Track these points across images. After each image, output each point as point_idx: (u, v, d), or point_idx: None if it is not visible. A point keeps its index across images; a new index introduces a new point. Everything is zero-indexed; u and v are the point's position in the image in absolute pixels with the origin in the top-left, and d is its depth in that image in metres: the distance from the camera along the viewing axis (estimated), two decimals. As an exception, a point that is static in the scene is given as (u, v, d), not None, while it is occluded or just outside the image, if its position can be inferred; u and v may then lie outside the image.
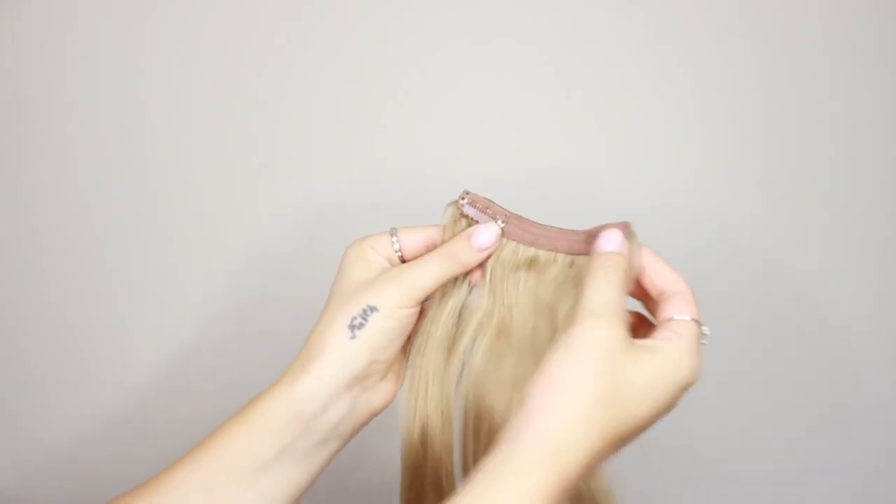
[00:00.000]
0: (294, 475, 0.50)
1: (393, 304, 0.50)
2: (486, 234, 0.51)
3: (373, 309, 0.49)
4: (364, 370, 0.50)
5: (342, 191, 0.77)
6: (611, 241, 0.49)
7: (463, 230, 0.53)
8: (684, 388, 0.45)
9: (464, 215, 0.53)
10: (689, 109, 0.76)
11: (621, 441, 0.44)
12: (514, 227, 0.52)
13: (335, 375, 0.50)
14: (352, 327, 0.49)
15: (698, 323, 0.47)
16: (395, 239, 0.53)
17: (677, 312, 0.47)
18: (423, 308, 0.54)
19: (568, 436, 0.41)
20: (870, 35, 0.75)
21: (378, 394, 0.53)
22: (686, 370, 0.45)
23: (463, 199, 0.53)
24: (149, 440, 0.80)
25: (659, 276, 0.50)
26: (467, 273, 0.53)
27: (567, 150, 0.77)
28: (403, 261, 0.53)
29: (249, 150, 0.76)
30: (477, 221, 0.53)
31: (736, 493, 0.87)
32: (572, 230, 0.53)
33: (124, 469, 0.73)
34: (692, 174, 0.78)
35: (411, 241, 0.53)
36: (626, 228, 0.50)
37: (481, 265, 0.53)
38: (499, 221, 0.52)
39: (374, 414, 0.53)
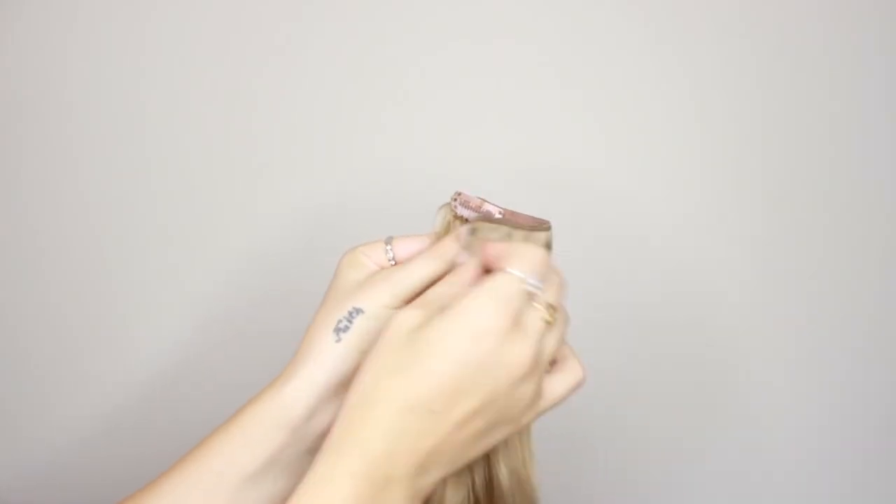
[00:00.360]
0: (284, 487, 0.49)
1: (379, 304, 0.49)
2: None
3: (358, 311, 0.49)
4: (351, 374, 0.49)
5: (342, 191, 0.77)
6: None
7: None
8: (478, 333, 0.43)
9: (457, 217, 0.52)
10: (689, 109, 0.76)
11: (433, 413, 0.43)
12: (510, 223, 0.52)
13: (321, 380, 0.49)
14: (337, 330, 0.49)
15: (520, 277, 0.45)
16: (389, 248, 0.52)
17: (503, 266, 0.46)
18: None
19: (359, 406, 0.43)
20: (870, 35, 0.75)
21: None
22: (475, 312, 0.43)
23: (455, 200, 0.52)
24: (148, 441, 0.80)
25: (487, 248, 0.49)
26: None
27: (567, 149, 0.77)
28: None
29: (249, 150, 0.76)
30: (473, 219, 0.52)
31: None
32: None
33: (122, 470, 0.73)
34: (691, 173, 0.78)
35: (405, 250, 0.52)
36: (530, 226, 0.50)
37: None
38: (495, 218, 0.52)
39: None
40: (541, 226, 0.51)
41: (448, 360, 0.43)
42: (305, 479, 0.42)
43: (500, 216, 0.52)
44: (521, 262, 0.46)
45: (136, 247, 0.77)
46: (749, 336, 0.82)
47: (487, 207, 0.52)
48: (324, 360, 0.49)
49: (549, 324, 0.46)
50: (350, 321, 0.49)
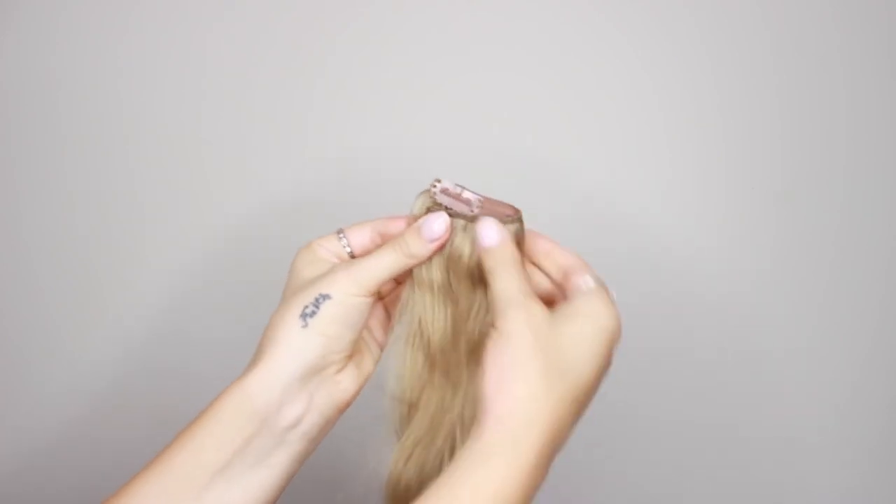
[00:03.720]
0: (257, 480, 0.49)
1: (346, 291, 0.49)
2: (435, 224, 0.51)
3: (325, 297, 0.49)
4: (318, 360, 0.49)
5: (322, 179, 0.76)
6: (487, 236, 0.50)
7: None
8: (612, 337, 0.47)
9: (437, 204, 0.52)
10: (688, 106, 0.76)
11: (580, 404, 0.46)
12: (488, 211, 0.52)
13: (288, 366, 0.49)
14: (303, 315, 0.49)
15: (598, 282, 0.49)
16: (342, 236, 0.53)
17: (583, 281, 0.49)
18: (383, 298, 0.55)
19: (529, 413, 0.44)
20: (869, 35, 0.75)
21: (338, 387, 0.51)
22: (606, 318, 0.47)
23: (434, 187, 0.52)
24: (130, 420, 0.80)
25: (559, 258, 0.51)
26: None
27: (559, 146, 0.77)
28: (354, 257, 0.53)
29: (232, 134, 0.75)
30: (450, 209, 0.52)
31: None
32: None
33: (108, 455, 0.73)
34: (693, 171, 0.78)
35: (359, 237, 0.53)
36: (506, 214, 0.51)
37: (440, 251, 0.52)
38: (473, 209, 0.52)
39: (340, 409, 0.52)
40: (511, 216, 0.52)
41: (594, 363, 0.47)
42: (461, 460, 0.43)
43: (479, 204, 0.52)
44: (592, 273, 0.50)
45: (116, 230, 0.76)
46: (750, 335, 0.82)
47: (467, 195, 0.52)
48: (289, 345, 0.49)
49: None
50: (317, 306, 0.49)
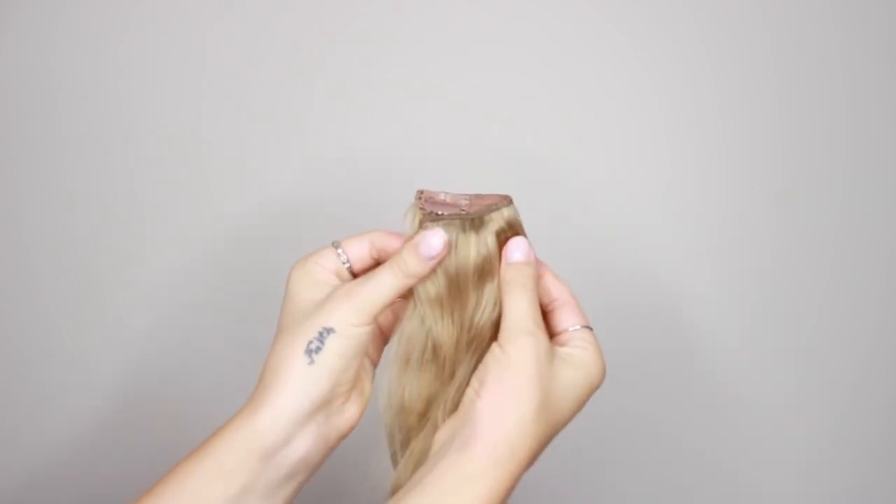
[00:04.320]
0: None
1: (349, 323, 0.48)
2: (433, 240, 0.49)
3: (329, 331, 0.48)
4: (326, 396, 0.48)
5: (325, 181, 0.76)
6: (518, 250, 0.51)
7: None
8: (595, 389, 0.50)
9: (427, 214, 0.51)
10: (687, 108, 0.76)
11: (551, 438, 0.49)
12: (479, 206, 0.52)
13: (296, 405, 0.48)
14: (309, 352, 0.48)
15: (591, 329, 0.51)
16: (340, 251, 0.52)
17: (574, 323, 0.51)
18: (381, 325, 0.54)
19: (516, 445, 0.46)
20: (869, 35, 0.74)
21: (343, 416, 0.51)
22: (597, 375, 0.50)
23: (419, 199, 0.51)
24: (126, 426, 0.79)
25: (552, 287, 0.53)
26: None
27: (559, 146, 0.77)
28: (353, 272, 0.52)
29: (223, 140, 0.75)
30: (443, 215, 0.51)
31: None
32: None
33: (113, 466, 0.72)
34: (689, 172, 0.78)
35: (357, 250, 0.52)
36: (494, 205, 0.51)
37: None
38: (463, 208, 0.51)
39: (342, 437, 0.51)
40: (500, 203, 0.52)
41: (575, 408, 0.50)
42: (442, 471, 0.45)
43: (467, 203, 0.52)
44: (583, 315, 0.52)
45: (116, 229, 0.76)
46: (750, 335, 0.82)
47: (451, 198, 0.52)
48: (297, 383, 0.48)
49: None
50: (322, 341, 0.48)
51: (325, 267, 0.51)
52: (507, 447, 0.46)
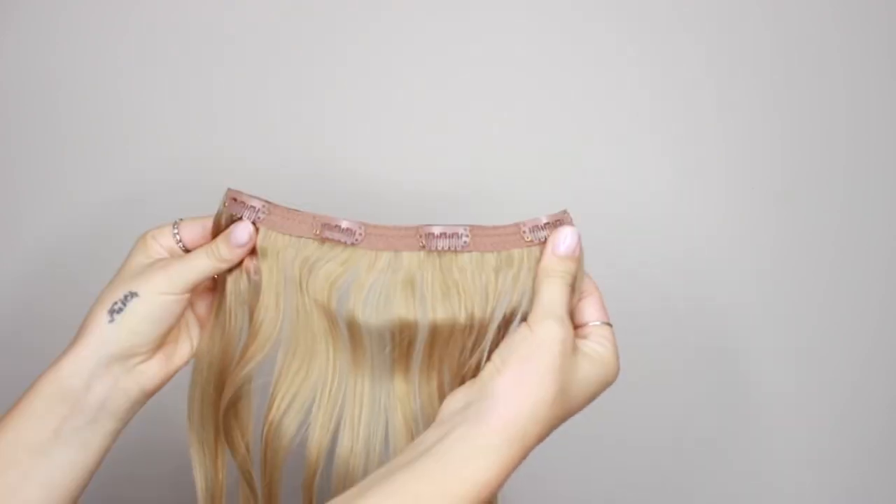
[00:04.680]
0: (73, 458, 0.53)
1: (155, 290, 0.53)
2: (240, 232, 0.55)
3: (133, 294, 0.53)
4: (122, 352, 0.53)
5: (324, 181, 0.76)
6: (566, 243, 0.53)
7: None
8: (607, 386, 0.53)
9: (232, 215, 0.56)
10: (687, 108, 0.76)
11: (559, 425, 0.51)
12: (277, 217, 0.55)
13: (92, 356, 0.53)
14: (111, 311, 0.53)
15: (611, 327, 0.54)
16: (175, 230, 0.57)
17: (596, 318, 0.54)
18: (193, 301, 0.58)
19: (530, 425, 0.48)
20: (869, 35, 0.75)
21: (145, 375, 0.55)
22: (613, 373, 0.53)
23: (224, 201, 0.56)
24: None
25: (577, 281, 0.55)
26: (240, 264, 0.56)
27: (559, 146, 0.77)
28: (187, 250, 0.57)
29: (223, 140, 0.75)
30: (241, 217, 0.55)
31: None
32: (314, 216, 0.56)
33: None
34: (694, 171, 0.78)
35: (191, 232, 0.57)
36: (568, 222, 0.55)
37: (253, 254, 0.56)
38: (260, 212, 0.55)
39: (147, 393, 0.56)
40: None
41: (587, 400, 0.52)
42: (455, 440, 0.47)
43: (263, 215, 0.56)
44: (605, 310, 0.55)
45: (117, 229, 0.75)
46: (751, 335, 0.82)
47: (253, 204, 0.56)
48: (97, 338, 0.53)
49: None
50: (124, 304, 0.53)
51: (160, 242, 0.56)
52: (521, 426, 0.47)
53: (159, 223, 0.57)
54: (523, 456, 0.48)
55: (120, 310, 0.53)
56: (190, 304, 0.57)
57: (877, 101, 0.76)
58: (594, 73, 0.75)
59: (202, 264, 0.55)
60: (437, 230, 0.54)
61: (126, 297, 0.53)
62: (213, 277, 0.57)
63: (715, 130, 0.76)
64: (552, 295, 0.52)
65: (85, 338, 0.53)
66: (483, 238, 0.54)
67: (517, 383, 0.48)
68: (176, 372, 0.57)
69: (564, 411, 0.50)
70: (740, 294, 0.80)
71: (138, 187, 0.76)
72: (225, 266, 0.55)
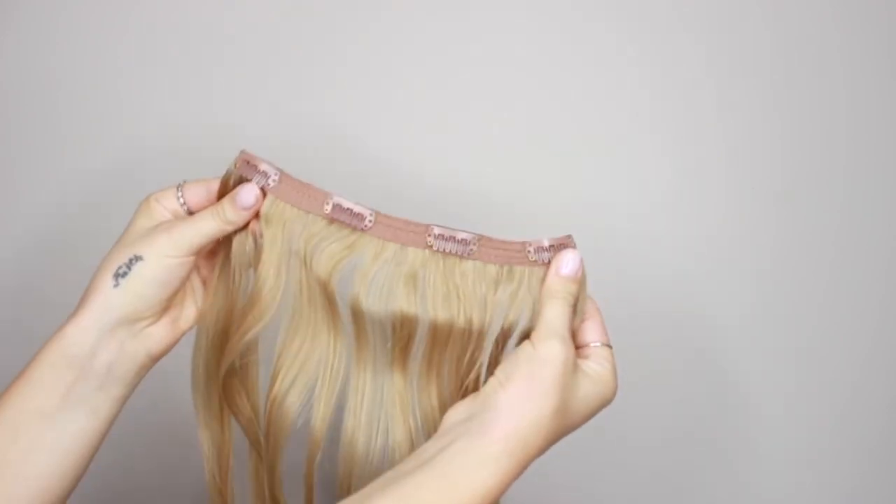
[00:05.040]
0: (82, 424, 0.53)
1: (160, 253, 0.53)
2: (246, 194, 0.55)
3: (137, 258, 0.53)
4: (128, 316, 0.53)
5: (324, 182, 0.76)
6: (569, 267, 0.55)
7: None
8: (606, 405, 0.54)
9: (242, 176, 0.55)
10: (687, 108, 0.76)
11: (557, 441, 0.52)
12: (288, 187, 0.55)
13: (98, 321, 0.53)
14: (116, 276, 0.53)
15: (611, 348, 0.56)
16: (179, 193, 0.56)
17: (597, 339, 0.56)
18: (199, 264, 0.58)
19: (531, 438, 0.49)
20: (869, 35, 0.75)
21: (151, 338, 0.55)
22: (611, 392, 0.54)
23: (237, 163, 0.56)
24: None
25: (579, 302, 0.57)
26: (245, 226, 0.56)
27: (559, 147, 0.77)
28: (191, 213, 0.56)
29: (223, 140, 0.75)
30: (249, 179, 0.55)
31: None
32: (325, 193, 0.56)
33: None
34: (689, 172, 0.78)
35: (195, 194, 0.56)
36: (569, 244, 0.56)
37: (257, 217, 0.55)
38: (271, 178, 0.55)
39: (153, 357, 0.55)
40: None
41: (585, 418, 0.54)
42: (456, 451, 0.48)
43: (273, 182, 0.56)
44: (605, 331, 0.57)
45: (117, 230, 0.74)
46: (751, 335, 0.82)
47: (265, 168, 0.56)
48: (102, 303, 0.53)
49: None
50: (129, 268, 0.53)
51: (164, 205, 0.56)
52: (522, 439, 0.49)
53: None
54: (523, 467, 0.49)
55: (124, 274, 0.53)
56: (196, 267, 0.57)
57: (877, 101, 0.76)
58: (594, 73, 0.75)
59: (207, 226, 0.54)
60: (447, 232, 0.54)
61: (131, 260, 0.53)
62: (218, 240, 0.56)
63: (715, 130, 0.76)
64: (555, 315, 0.53)
65: (90, 303, 0.53)
66: (489, 250, 0.55)
67: (520, 397, 0.50)
68: (182, 335, 0.57)
69: (564, 426, 0.52)
70: (740, 294, 0.80)
71: (139, 187, 0.76)
72: (230, 228, 0.55)
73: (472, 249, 0.54)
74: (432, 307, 0.54)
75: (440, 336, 0.55)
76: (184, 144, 0.75)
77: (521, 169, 0.76)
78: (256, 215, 0.55)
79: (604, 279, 0.78)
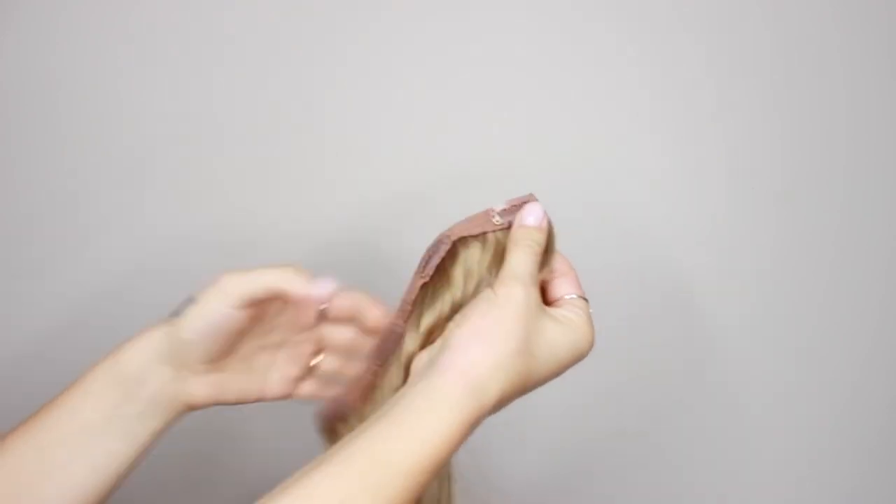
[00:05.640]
0: (118, 448, 0.52)
1: (209, 300, 0.53)
2: (322, 286, 0.54)
3: (191, 300, 0.53)
4: (175, 354, 0.53)
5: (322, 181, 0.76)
6: (532, 216, 0.54)
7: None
8: (580, 357, 0.51)
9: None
10: (686, 108, 0.77)
11: (524, 390, 0.50)
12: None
13: (149, 349, 0.53)
14: (171, 314, 0.53)
15: (586, 301, 0.54)
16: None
17: (571, 291, 0.54)
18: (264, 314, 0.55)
19: (487, 378, 0.47)
20: (869, 35, 0.75)
21: (195, 386, 0.54)
22: (584, 341, 0.51)
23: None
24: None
25: (553, 258, 0.55)
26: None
27: (559, 147, 0.77)
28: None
29: (223, 140, 0.75)
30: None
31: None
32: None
33: None
34: (689, 172, 0.78)
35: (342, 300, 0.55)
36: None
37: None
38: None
39: (191, 407, 0.54)
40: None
41: (556, 367, 0.50)
42: (415, 394, 0.47)
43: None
44: (580, 287, 0.54)
45: (117, 230, 0.76)
46: (751, 335, 0.82)
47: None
48: (152, 336, 0.53)
49: None
50: (182, 308, 0.53)
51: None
52: (479, 379, 0.47)
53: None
54: (484, 411, 0.47)
55: (177, 313, 0.53)
56: (260, 346, 0.56)
57: (877, 101, 0.76)
58: (594, 73, 0.75)
59: (269, 278, 0.53)
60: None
61: (185, 302, 0.53)
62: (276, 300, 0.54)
63: (715, 130, 0.76)
64: (518, 261, 0.51)
65: (148, 330, 0.54)
66: (463, 224, 0.55)
67: (474, 335, 0.48)
68: (225, 404, 0.55)
69: (529, 372, 0.49)
70: (740, 294, 0.80)
71: (138, 186, 0.76)
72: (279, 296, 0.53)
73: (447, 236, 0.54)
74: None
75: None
76: (184, 144, 0.75)
77: (521, 169, 0.76)
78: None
79: (604, 279, 0.78)
